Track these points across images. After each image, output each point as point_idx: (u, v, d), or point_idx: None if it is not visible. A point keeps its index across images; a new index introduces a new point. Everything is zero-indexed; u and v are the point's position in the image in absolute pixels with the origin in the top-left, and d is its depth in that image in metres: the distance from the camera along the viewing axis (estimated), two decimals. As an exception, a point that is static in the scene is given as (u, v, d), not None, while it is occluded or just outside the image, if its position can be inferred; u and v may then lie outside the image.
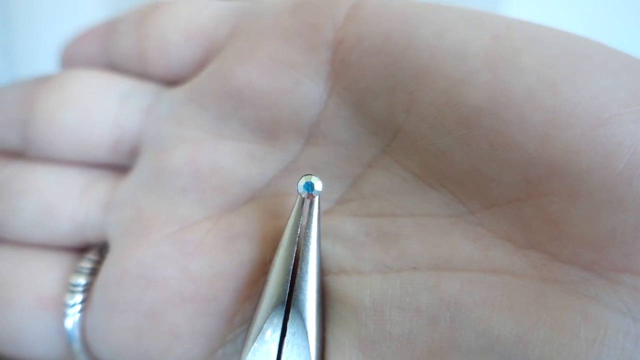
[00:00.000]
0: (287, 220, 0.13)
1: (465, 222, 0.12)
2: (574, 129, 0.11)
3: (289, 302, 0.13)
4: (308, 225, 0.13)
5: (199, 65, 0.16)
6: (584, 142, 0.11)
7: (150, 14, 0.17)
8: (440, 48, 0.13)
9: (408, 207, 0.13)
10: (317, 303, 0.13)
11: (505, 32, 0.12)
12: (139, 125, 0.16)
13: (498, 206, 0.12)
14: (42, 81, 0.17)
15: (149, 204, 0.15)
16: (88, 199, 0.16)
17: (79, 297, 0.15)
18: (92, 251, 0.16)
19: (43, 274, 0.16)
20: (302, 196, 0.13)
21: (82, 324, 0.15)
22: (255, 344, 0.13)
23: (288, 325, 0.13)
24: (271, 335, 0.13)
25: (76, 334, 0.15)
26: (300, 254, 0.13)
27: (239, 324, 0.14)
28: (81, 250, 0.17)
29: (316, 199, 0.13)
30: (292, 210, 0.13)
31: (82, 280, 0.16)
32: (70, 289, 0.15)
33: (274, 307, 0.13)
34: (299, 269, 0.13)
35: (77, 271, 0.16)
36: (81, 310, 0.15)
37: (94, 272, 0.16)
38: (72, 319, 0.15)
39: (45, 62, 0.33)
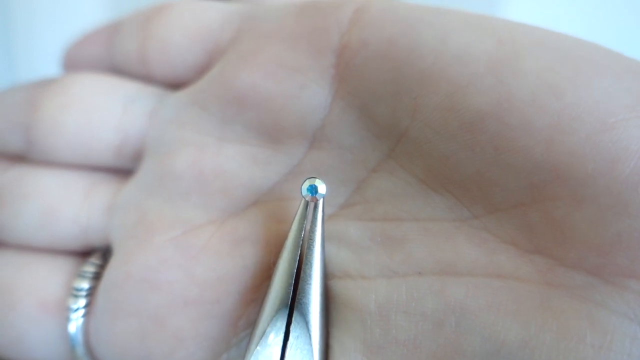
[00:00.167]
0: (291, 224, 0.13)
1: (469, 226, 0.12)
2: (579, 133, 0.11)
3: (292, 306, 0.13)
4: (312, 229, 0.13)
5: (203, 69, 0.16)
6: (589, 146, 0.11)
7: (154, 16, 0.17)
8: (444, 52, 0.13)
9: (412, 212, 0.13)
10: (321, 306, 0.13)
11: (508, 36, 0.12)
12: (143, 128, 0.16)
13: (503, 211, 0.12)
14: (44, 84, 0.17)
15: (153, 207, 0.15)
16: (91, 202, 0.16)
17: (82, 302, 0.15)
18: (95, 255, 0.16)
19: (46, 278, 0.16)
20: (306, 199, 0.13)
21: (86, 328, 0.15)
22: (258, 347, 0.13)
23: (291, 329, 0.13)
24: (274, 338, 0.13)
25: (79, 338, 0.15)
26: (304, 258, 0.13)
27: (243, 328, 0.14)
28: (84, 254, 0.17)
29: (320, 202, 0.13)
30: (296, 213, 0.13)
31: (85, 285, 0.16)
32: (74, 293, 0.15)
33: (278, 310, 0.13)
34: (302, 273, 0.13)
35: (80, 275, 0.16)
36: (84, 315, 0.15)
37: (97, 276, 0.16)
38: (75, 324, 0.15)
39: (45, 62, 0.33)
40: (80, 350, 0.15)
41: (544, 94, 0.12)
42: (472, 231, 0.12)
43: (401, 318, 0.12)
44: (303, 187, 0.13)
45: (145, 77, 0.17)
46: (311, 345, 0.13)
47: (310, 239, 0.13)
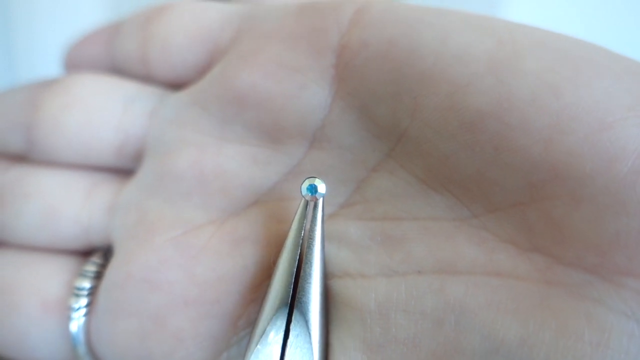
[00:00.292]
0: (291, 224, 0.13)
1: (469, 225, 0.13)
2: (578, 133, 0.11)
3: (292, 304, 0.13)
4: (312, 228, 0.13)
5: (203, 69, 0.16)
6: (587, 146, 0.11)
7: (154, 16, 0.17)
8: (444, 53, 0.13)
9: (412, 211, 0.13)
10: (321, 305, 0.13)
11: (508, 37, 0.12)
12: (143, 128, 0.16)
13: (502, 210, 0.12)
14: (45, 85, 0.17)
15: (153, 207, 0.15)
16: (92, 202, 0.16)
17: (83, 301, 0.15)
18: (97, 255, 0.16)
19: (47, 278, 0.16)
20: (306, 199, 0.13)
21: (87, 327, 0.15)
22: (258, 346, 0.13)
23: (291, 327, 0.13)
24: (274, 337, 0.13)
25: (81, 337, 0.15)
26: (304, 257, 0.13)
27: (243, 327, 0.14)
28: (85, 253, 0.17)
29: (320, 202, 0.13)
30: (295, 213, 0.13)
31: (86, 284, 0.16)
32: (75, 292, 0.16)
33: (278, 309, 0.13)
34: (302, 272, 0.13)
35: (82, 275, 0.16)
36: (86, 314, 0.15)
37: (98, 276, 0.16)
38: (76, 323, 0.15)
39: (46, 62, 0.33)
40: (81, 349, 0.16)
41: (544, 94, 0.12)
42: (472, 230, 0.12)
43: (401, 317, 0.12)
44: (303, 186, 0.13)
45: (145, 77, 0.17)
46: (311, 343, 0.13)
47: (310, 238, 0.13)
